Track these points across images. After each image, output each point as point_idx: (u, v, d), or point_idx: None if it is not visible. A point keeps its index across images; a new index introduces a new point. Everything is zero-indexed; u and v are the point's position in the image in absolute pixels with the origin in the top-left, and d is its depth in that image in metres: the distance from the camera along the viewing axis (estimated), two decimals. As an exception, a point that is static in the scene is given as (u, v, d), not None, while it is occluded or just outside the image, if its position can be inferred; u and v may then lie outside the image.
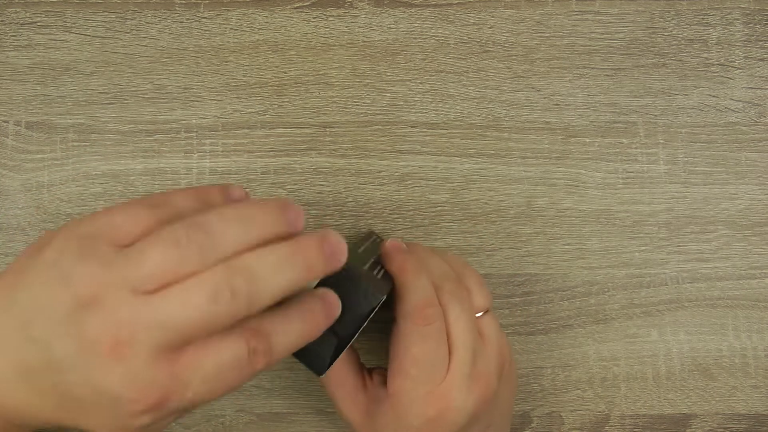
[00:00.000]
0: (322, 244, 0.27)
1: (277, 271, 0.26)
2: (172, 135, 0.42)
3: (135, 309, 0.25)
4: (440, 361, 0.32)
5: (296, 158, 0.42)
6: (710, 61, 0.43)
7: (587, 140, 0.42)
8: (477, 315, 0.35)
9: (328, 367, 0.31)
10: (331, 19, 0.43)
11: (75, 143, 0.42)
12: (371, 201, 0.42)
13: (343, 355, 0.33)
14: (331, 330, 0.30)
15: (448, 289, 0.34)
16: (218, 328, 0.25)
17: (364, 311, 0.31)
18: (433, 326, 0.32)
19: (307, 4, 0.43)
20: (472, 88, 0.43)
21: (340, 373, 0.35)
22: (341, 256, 0.28)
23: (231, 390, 0.26)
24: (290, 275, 0.26)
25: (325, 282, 0.30)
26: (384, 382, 0.35)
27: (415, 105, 0.42)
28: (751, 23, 0.43)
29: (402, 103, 0.42)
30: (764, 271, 0.42)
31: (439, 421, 0.32)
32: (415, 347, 0.32)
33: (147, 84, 0.42)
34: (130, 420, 0.26)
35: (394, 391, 0.33)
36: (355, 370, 0.36)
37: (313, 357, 0.31)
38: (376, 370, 0.36)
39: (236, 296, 0.25)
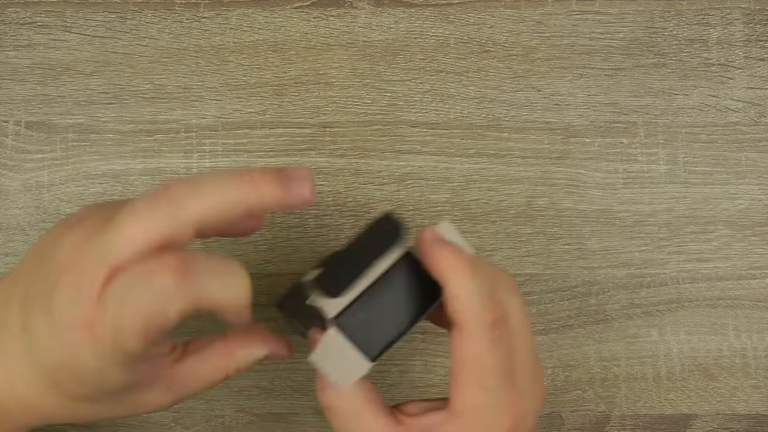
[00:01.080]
0: (280, 172, 0.26)
1: (221, 182, 0.25)
2: (172, 135, 0.42)
3: (98, 231, 0.25)
4: (513, 366, 0.29)
5: (296, 158, 0.42)
6: (710, 61, 0.43)
7: (587, 140, 0.42)
8: None
9: (380, 353, 0.30)
10: (331, 18, 0.43)
11: (75, 143, 0.42)
12: (371, 201, 0.42)
13: (361, 401, 0.30)
14: (389, 316, 0.30)
15: (504, 283, 0.30)
16: (154, 236, 0.24)
17: (427, 300, 0.30)
18: (503, 330, 0.28)
19: (307, 4, 0.43)
20: (472, 88, 0.43)
21: (359, 419, 0.30)
22: (304, 183, 0.26)
23: (146, 325, 0.24)
24: (234, 190, 0.25)
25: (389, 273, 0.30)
26: (425, 411, 0.30)
27: (415, 105, 0.42)
28: (751, 23, 0.43)
29: (402, 102, 0.42)
30: (764, 271, 0.42)
31: (515, 431, 0.29)
32: (490, 356, 0.28)
33: (147, 84, 0.42)
34: (75, 349, 0.25)
35: (466, 408, 0.28)
36: (376, 411, 0.30)
37: (366, 338, 0.30)
38: (408, 403, 0.32)
39: (170, 194, 0.24)
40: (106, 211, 0.27)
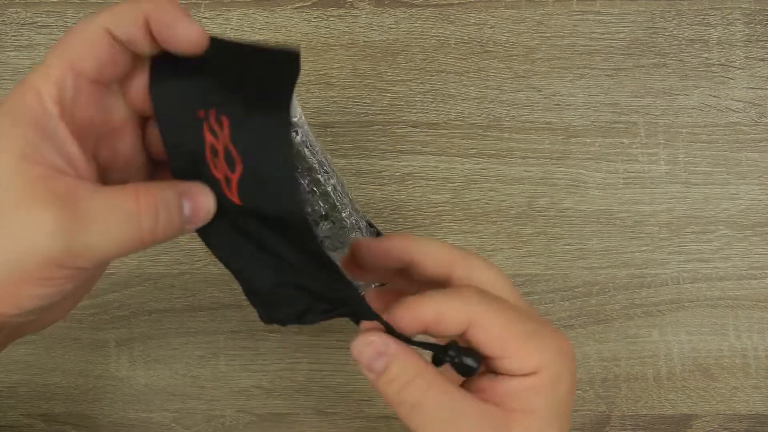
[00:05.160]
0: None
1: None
2: (173, 135, 0.42)
3: None
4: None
5: (297, 158, 0.42)
6: (711, 61, 0.43)
7: (588, 140, 0.42)
8: None
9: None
10: (331, 19, 0.43)
11: (75, 143, 0.42)
12: (372, 201, 0.42)
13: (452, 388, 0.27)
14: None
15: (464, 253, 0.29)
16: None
17: None
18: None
19: (308, 4, 0.43)
20: (472, 88, 0.43)
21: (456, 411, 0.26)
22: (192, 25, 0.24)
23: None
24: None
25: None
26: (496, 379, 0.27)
27: (415, 105, 0.42)
28: (751, 23, 0.43)
29: (403, 103, 0.42)
30: (765, 271, 0.42)
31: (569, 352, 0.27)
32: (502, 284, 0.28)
33: (147, 84, 0.42)
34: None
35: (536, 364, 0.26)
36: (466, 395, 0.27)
37: None
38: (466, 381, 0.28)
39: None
40: None
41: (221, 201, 0.25)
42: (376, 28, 0.43)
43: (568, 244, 0.42)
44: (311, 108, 0.42)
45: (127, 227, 0.23)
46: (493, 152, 0.42)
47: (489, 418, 0.26)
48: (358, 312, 0.26)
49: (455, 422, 0.25)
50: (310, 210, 0.32)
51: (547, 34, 0.43)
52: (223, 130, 0.24)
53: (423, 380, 0.26)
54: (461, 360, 0.26)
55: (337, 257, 0.32)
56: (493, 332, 0.26)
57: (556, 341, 0.27)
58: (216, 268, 0.41)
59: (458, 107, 0.42)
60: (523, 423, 0.26)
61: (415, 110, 0.42)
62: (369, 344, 0.26)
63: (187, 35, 0.24)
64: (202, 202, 0.25)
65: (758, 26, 0.43)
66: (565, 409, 0.27)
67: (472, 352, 0.27)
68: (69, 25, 0.42)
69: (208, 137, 0.25)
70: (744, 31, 0.43)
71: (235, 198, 0.25)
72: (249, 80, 0.24)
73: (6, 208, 0.22)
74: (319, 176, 0.32)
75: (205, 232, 0.26)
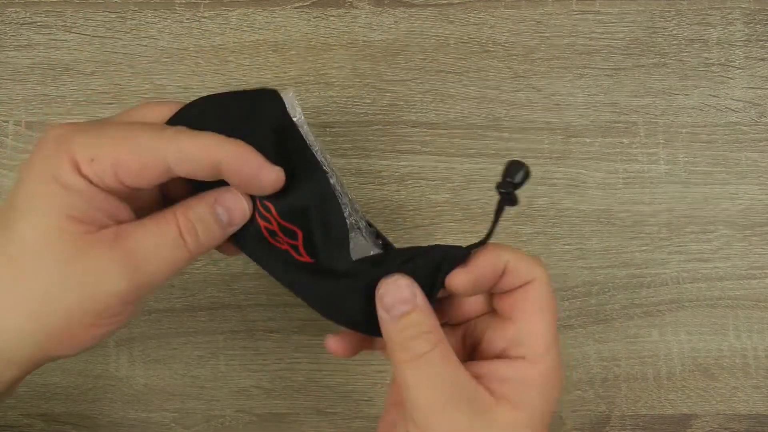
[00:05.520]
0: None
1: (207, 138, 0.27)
2: (172, 135, 0.42)
3: None
4: None
5: (296, 158, 0.42)
6: (711, 60, 0.43)
7: (587, 140, 0.42)
8: None
9: None
10: (331, 18, 0.43)
11: (75, 143, 0.42)
12: (372, 201, 0.42)
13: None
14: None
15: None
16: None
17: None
18: None
19: (308, 3, 0.43)
20: (472, 87, 0.43)
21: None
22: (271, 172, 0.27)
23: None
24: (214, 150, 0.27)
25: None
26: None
27: (415, 105, 0.42)
28: (751, 23, 0.43)
29: (402, 102, 0.42)
30: (765, 271, 0.42)
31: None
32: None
33: (147, 84, 0.42)
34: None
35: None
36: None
37: None
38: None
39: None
40: None
41: (298, 263, 0.29)
42: (375, 27, 0.43)
43: (568, 244, 0.42)
44: (311, 108, 0.42)
45: (175, 251, 0.26)
46: (493, 152, 0.42)
47: (478, 399, 0.27)
48: (454, 256, 0.29)
49: (447, 387, 0.27)
50: None
51: (547, 34, 0.43)
52: (271, 212, 0.27)
53: (436, 336, 0.27)
54: (514, 179, 0.28)
55: None
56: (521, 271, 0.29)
57: (556, 331, 0.29)
58: (215, 267, 0.41)
59: (458, 107, 0.42)
60: (510, 414, 0.27)
61: (414, 110, 0.42)
62: (399, 288, 0.28)
63: (270, 181, 0.27)
64: (233, 204, 0.27)
65: (758, 26, 0.43)
66: (547, 417, 0.28)
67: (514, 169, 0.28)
68: (68, 24, 0.42)
69: (262, 223, 0.28)
70: (744, 30, 0.43)
71: (306, 258, 0.28)
72: (266, 147, 0.27)
73: (62, 263, 0.25)
74: None
75: (309, 297, 0.29)
